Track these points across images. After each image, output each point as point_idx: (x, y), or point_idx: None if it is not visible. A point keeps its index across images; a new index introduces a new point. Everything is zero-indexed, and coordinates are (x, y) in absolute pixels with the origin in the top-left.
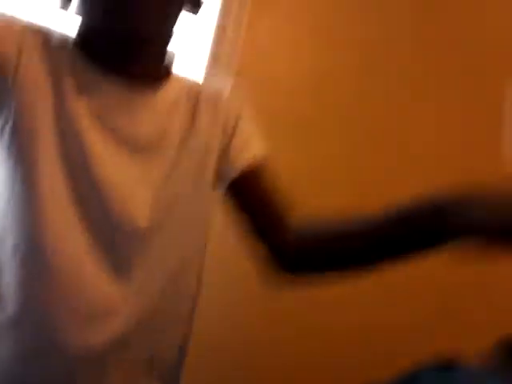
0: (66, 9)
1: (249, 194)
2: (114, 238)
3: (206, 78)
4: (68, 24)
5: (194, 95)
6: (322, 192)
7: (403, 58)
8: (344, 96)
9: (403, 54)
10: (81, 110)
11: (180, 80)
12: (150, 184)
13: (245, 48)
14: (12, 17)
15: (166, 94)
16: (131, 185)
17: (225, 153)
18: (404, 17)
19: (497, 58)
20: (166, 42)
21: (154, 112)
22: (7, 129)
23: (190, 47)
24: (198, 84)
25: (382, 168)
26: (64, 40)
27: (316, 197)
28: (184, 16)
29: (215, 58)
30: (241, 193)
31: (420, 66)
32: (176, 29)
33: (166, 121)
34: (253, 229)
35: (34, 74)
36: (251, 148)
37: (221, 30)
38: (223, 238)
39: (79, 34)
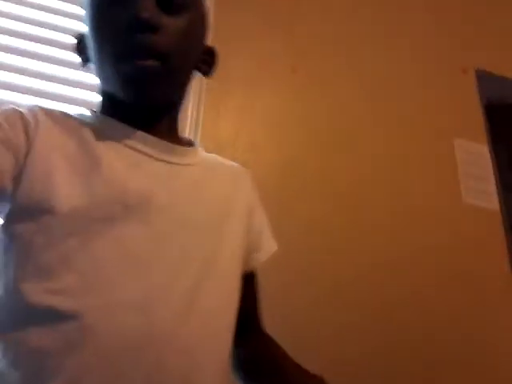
0: (85, 67)
1: (243, 292)
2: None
3: None
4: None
5: (227, 170)
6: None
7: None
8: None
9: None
10: (110, 154)
11: (205, 153)
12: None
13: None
14: (13, 108)
15: (198, 162)
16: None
17: (246, 238)
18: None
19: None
20: (181, 104)
21: (191, 179)
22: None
23: None
24: (222, 159)
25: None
26: (79, 113)
27: None
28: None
29: None
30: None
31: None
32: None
33: (201, 192)
34: None
35: (49, 138)
36: (267, 244)
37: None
38: None
39: (102, 98)
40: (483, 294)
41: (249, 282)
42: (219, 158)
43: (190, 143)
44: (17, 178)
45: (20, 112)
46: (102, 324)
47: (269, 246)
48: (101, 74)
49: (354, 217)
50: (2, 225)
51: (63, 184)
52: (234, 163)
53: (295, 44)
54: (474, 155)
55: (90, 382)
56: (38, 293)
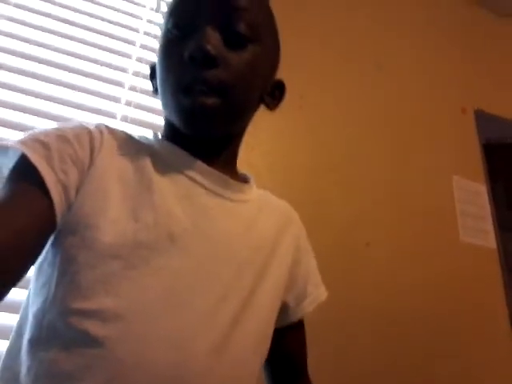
0: (155, 94)
1: (289, 340)
2: None
3: None
4: None
5: (277, 210)
6: None
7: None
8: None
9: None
10: (165, 183)
11: (258, 190)
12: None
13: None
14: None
15: (250, 195)
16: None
17: (291, 282)
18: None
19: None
20: (241, 137)
21: (242, 216)
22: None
23: None
24: (273, 197)
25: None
26: (141, 135)
27: None
28: None
29: None
30: (282, 335)
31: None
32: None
33: (249, 230)
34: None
35: (109, 162)
36: (317, 291)
37: None
38: None
39: (165, 124)
40: (480, 331)
41: (297, 329)
42: (270, 196)
43: (245, 179)
44: (78, 190)
45: (88, 128)
46: (132, 355)
47: (317, 295)
48: (163, 102)
49: (351, 251)
50: (53, 238)
51: (114, 206)
52: (284, 202)
53: (302, 76)
54: (472, 193)
55: None
56: (72, 313)
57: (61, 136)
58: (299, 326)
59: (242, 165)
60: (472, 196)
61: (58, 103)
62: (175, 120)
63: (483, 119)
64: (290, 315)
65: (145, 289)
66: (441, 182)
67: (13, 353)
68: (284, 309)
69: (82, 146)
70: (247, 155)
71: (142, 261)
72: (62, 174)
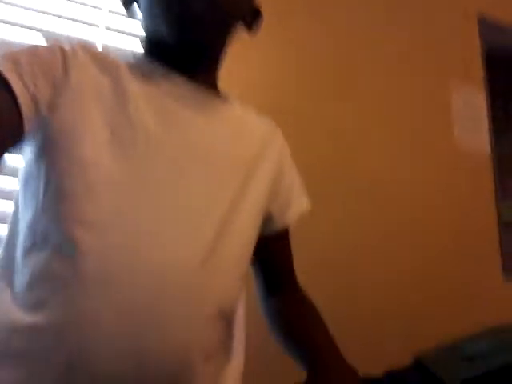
0: (128, 12)
1: (275, 248)
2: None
3: None
4: None
5: (259, 124)
6: None
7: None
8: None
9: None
10: (140, 94)
11: (239, 105)
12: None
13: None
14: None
15: (231, 111)
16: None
17: (275, 194)
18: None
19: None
20: (223, 52)
21: (222, 129)
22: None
23: None
24: (257, 115)
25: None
26: (120, 53)
27: None
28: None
29: None
30: (269, 244)
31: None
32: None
33: (230, 144)
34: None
35: (85, 70)
36: (300, 201)
37: None
38: None
39: (145, 43)
40: (468, 224)
41: (281, 238)
42: (253, 111)
43: (226, 96)
44: (52, 106)
45: (60, 45)
46: (115, 264)
47: (300, 205)
48: (147, 14)
49: (351, 160)
50: (35, 153)
51: (92, 119)
52: (268, 119)
53: None
54: (469, 98)
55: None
56: (60, 218)
57: (32, 52)
58: (285, 234)
59: (227, 82)
60: (469, 101)
61: (40, 12)
62: (164, 30)
63: (486, 26)
64: (274, 224)
65: (126, 198)
66: (439, 85)
67: (4, 264)
68: (269, 218)
69: (55, 60)
70: (235, 71)
71: (123, 171)
72: (32, 86)
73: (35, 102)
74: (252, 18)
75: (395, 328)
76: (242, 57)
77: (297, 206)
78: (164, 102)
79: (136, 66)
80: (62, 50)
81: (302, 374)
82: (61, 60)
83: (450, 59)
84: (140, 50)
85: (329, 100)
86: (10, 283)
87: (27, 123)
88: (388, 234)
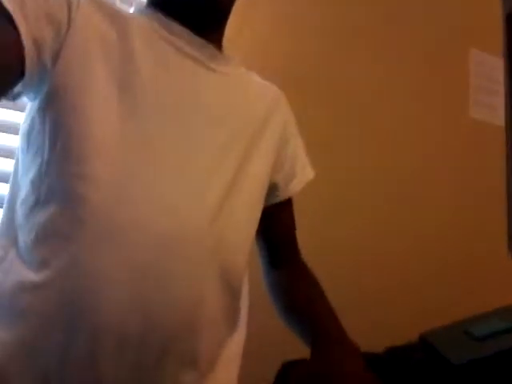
0: None
1: (279, 218)
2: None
3: None
4: None
5: (265, 88)
6: None
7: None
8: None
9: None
10: (148, 50)
11: (245, 69)
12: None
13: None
14: None
15: (238, 71)
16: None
17: (280, 164)
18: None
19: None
20: (230, 11)
21: (229, 88)
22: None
23: None
24: (260, 78)
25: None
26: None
27: None
28: None
29: None
30: (273, 213)
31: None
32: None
33: (236, 101)
34: (263, 246)
35: (90, 21)
36: (304, 171)
37: None
38: None
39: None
40: (476, 199)
41: (284, 208)
42: (258, 77)
43: (232, 57)
44: (55, 55)
45: None
46: (126, 218)
47: (304, 175)
48: None
49: (364, 124)
50: (39, 108)
51: (98, 69)
52: (272, 85)
53: None
54: (488, 68)
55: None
56: (68, 176)
57: None
58: (289, 203)
59: (241, 31)
60: (488, 70)
61: None
62: None
63: None
64: (279, 194)
65: (134, 157)
66: (457, 54)
67: (7, 222)
68: (274, 188)
69: (60, 4)
70: (236, 37)
71: (130, 129)
72: (36, 30)
73: (38, 46)
74: None
75: (400, 306)
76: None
77: (301, 176)
78: (172, 56)
79: (144, 20)
80: None
81: (304, 352)
82: (66, 7)
83: (470, 27)
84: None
85: (341, 62)
86: (14, 242)
87: (29, 65)
88: (393, 208)
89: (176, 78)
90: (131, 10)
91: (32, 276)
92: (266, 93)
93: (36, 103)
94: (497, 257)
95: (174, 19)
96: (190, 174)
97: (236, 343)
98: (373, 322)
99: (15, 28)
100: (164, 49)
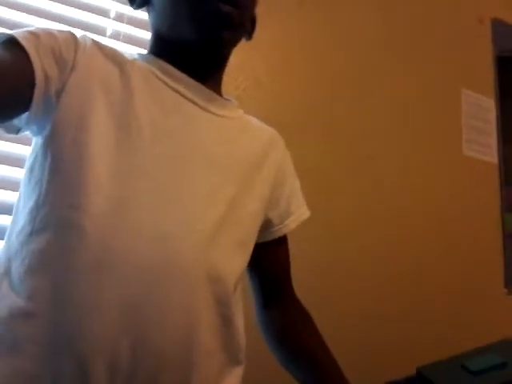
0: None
1: (273, 255)
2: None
3: None
4: None
5: (262, 132)
6: None
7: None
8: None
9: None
10: (146, 89)
11: (244, 113)
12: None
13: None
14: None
15: (236, 114)
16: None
17: (275, 201)
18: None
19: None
20: (228, 58)
21: (225, 130)
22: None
23: None
24: (260, 122)
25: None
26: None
27: None
28: None
29: None
30: (266, 251)
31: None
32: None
33: (233, 144)
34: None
35: (94, 61)
36: (300, 211)
37: None
38: None
39: (154, 39)
40: (471, 234)
41: (279, 246)
42: (257, 120)
43: (231, 102)
44: (59, 92)
45: (74, 33)
46: (119, 245)
47: (299, 214)
48: (166, 12)
49: (359, 162)
50: (42, 144)
51: (99, 110)
52: (270, 128)
53: None
54: (480, 108)
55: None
56: (63, 207)
57: (49, 33)
58: (283, 241)
59: (242, 69)
60: (480, 110)
61: (44, 18)
62: (188, 28)
63: (500, 29)
64: (274, 231)
65: (130, 190)
66: (449, 94)
67: (4, 252)
68: (268, 225)
69: (67, 45)
70: (247, 58)
71: (129, 163)
72: (46, 63)
73: (47, 80)
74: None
75: (395, 340)
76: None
77: (297, 215)
78: (170, 98)
79: (144, 65)
80: (75, 37)
81: None
82: (73, 47)
83: (461, 66)
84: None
85: (338, 101)
86: (8, 272)
87: (37, 96)
88: (389, 240)
89: (172, 118)
90: (133, 55)
91: (23, 305)
92: (263, 134)
93: (40, 139)
94: (494, 293)
95: (174, 65)
96: (183, 206)
97: (235, 377)
98: (367, 357)
99: (29, 62)
100: (162, 91)
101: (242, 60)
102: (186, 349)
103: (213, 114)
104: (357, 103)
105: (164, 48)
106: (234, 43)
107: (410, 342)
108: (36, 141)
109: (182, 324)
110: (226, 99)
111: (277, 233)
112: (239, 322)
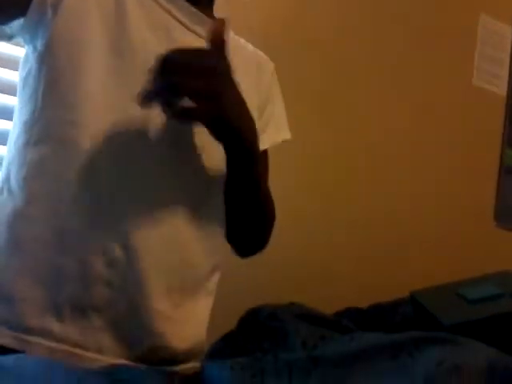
0: None
1: None
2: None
3: None
4: None
5: (251, 56)
6: None
7: None
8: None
9: None
10: (141, 15)
11: (234, 36)
12: None
13: None
14: None
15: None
16: None
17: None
18: None
19: None
20: None
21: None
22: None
23: None
24: (244, 41)
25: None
26: None
27: None
28: None
29: None
30: None
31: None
32: None
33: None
34: None
35: None
36: (277, 132)
37: None
38: None
39: None
40: (468, 165)
41: None
42: (245, 43)
43: None
44: (55, 8)
45: None
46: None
47: (276, 135)
48: None
49: (361, 89)
50: (37, 55)
51: (94, 31)
52: (259, 51)
53: None
54: (496, 35)
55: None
56: (59, 121)
57: None
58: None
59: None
60: (495, 37)
61: None
62: None
63: None
64: None
65: (120, 110)
66: (466, 18)
67: (5, 158)
68: None
69: None
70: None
71: (119, 84)
72: None
73: None
74: None
75: (387, 266)
76: None
77: (271, 135)
78: (160, 19)
79: None
80: None
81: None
82: None
83: None
84: None
85: (345, 36)
86: (7, 177)
87: (33, 6)
88: (386, 167)
89: (163, 43)
90: None
91: (24, 208)
92: (252, 56)
93: (33, 51)
94: (483, 224)
95: None
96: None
97: (213, 283)
98: (360, 278)
99: None
100: (154, 11)
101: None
102: (171, 254)
103: (199, 36)
104: (365, 17)
105: None
106: None
107: (403, 267)
108: (28, 50)
109: (166, 223)
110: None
111: None
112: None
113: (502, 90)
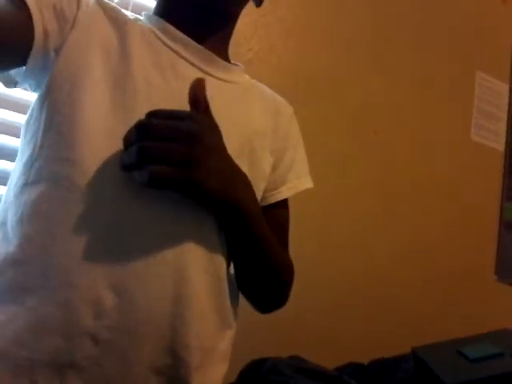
0: None
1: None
2: None
3: None
4: None
5: (269, 98)
6: None
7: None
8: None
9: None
10: (145, 52)
11: (251, 79)
12: None
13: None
14: None
15: (241, 82)
16: None
17: (273, 168)
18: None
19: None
20: (234, 27)
21: (222, 93)
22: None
23: None
24: (262, 85)
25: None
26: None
27: None
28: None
29: None
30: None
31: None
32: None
33: (234, 108)
34: None
35: (94, 21)
36: (295, 181)
37: None
38: None
39: (158, 4)
40: (468, 219)
41: (273, 212)
42: (266, 87)
43: (238, 67)
44: (58, 49)
45: None
46: (107, 201)
47: (298, 182)
48: None
49: (364, 135)
50: (38, 98)
51: (97, 68)
52: (278, 96)
53: None
54: (493, 92)
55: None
56: (56, 160)
57: None
58: (279, 207)
59: (255, 32)
60: (492, 94)
61: None
62: None
63: None
64: (267, 197)
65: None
66: (463, 75)
67: (2, 204)
68: (263, 191)
69: (69, 2)
70: (262, 22)
71: (121, 120)
72: (46, 22)
73: (46, 35)
74: None
75: (388, 321)
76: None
77: (294, 183)
78: (167, 57)
79: (144, 23)
80: None
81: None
82: (75, 5)
83: (479, 48)
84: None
85: (352, 69)
86: (4, 222)
87: (35, 50)
88: (387, 222)
89: (168, 79)
90: (139, 16)
91: (13, 252)
92: (270, 101)
93: (38, 93)
94: (484, 279)
95: (176, 26)
96: None
97: (228, 340)
98: (361, 333)
99: (29, 16)
100: (160, 50)
101: (255, 23)
102: (175, 305)
103: (210, 75)
104: (370, 71)
105: (167, 8)
106: (239, 2)
107: (403, 323)
108: (36, 97)
109: (169, 279)
110: (234, 64)
111: (269, 199)
112: (234, 287)
113: (500, 146)
